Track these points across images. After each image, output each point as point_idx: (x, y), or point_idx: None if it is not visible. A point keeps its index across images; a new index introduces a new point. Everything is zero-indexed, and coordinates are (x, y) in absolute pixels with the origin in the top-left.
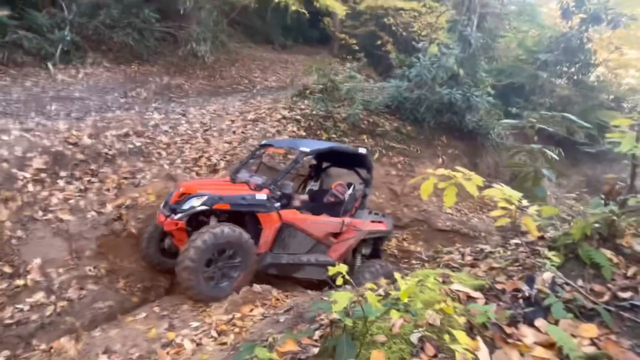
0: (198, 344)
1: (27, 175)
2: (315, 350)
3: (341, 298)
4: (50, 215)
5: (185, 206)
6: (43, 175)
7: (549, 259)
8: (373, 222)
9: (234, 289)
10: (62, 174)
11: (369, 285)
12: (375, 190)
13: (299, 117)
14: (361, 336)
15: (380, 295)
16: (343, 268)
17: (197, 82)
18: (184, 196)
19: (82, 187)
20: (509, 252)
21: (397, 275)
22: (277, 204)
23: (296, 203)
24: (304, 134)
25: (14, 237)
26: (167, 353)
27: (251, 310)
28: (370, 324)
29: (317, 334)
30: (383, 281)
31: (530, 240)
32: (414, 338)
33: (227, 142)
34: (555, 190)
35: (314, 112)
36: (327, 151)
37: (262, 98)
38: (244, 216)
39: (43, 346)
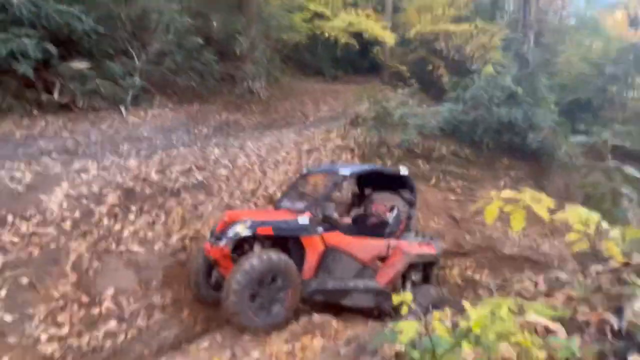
0: None
1: (103, 210)
2: None
3: (407, 328)
4: (122, 247)
5: (230, 233)
6: (116, 209)
7: (638, 287)
8: (420, 245)
9: (286, 311)
10: (133, 208)
11: (436, 315)
12: (434, 216)
13: (352, 145)
14: None
15: (447, 326)
16: (408, 297)
17: (252, 117)
18: (229, 224)
19: (151, 220)
20: (589, 281)
21: (466, 304)
22: (320, 228)
23: (339, 226)
24: (358, 160)
25: (91, 268)
26: None
27: (311, 341)
28: (438, 356)
29: None
30: (448, 311)
31: (613, 267)
32: None
33: (283, 173)
34: (638, 212)
35: (368, 140)
36: (367, 173)
37: (315, 129)
38: (287, 243)
39: None
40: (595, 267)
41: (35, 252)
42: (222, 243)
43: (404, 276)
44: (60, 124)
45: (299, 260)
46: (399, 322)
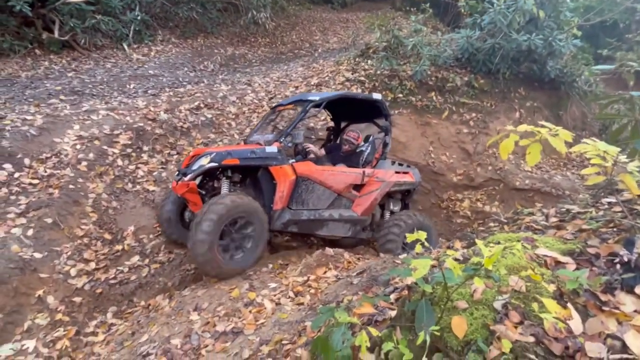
0: (277, 304)
1: (116, 150)
2: (392, 313)
3: (420, 265)
4: (138, 187)
5: (195, 166)
6: (129, 150)
7: None
8: (398, 173)
9: (254, 256)
10: (145, 148)
11: (449, 251)
12: (446, 150)
13: (362, 78)
14: (440, 302)
15: (457, 259)
16: (422, 235)
17: (259, 50)
18: (194, 159)
19: (163, 160)
20: (601, 213)
21: (478, 242)
22: (291, 160)
23: (311, 156)
24: None
25: (110, 207)
26: (250, 311)
27: (325, 273)
28: (450, 290)
29: (392, 297)
30: (458, 244)
31: (627, 198)
32: (498, 305)
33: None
34: None
35: (378, 72)
36: (337, 99)
37: (324, 61)
38: (256, 174)
39: (142, 303)
40: (607, 199)
41: (56, 193)
42: (187, 178)
43: (382, 206)
44: (64, 63)
45: (270, 193)
46: (411, 258)
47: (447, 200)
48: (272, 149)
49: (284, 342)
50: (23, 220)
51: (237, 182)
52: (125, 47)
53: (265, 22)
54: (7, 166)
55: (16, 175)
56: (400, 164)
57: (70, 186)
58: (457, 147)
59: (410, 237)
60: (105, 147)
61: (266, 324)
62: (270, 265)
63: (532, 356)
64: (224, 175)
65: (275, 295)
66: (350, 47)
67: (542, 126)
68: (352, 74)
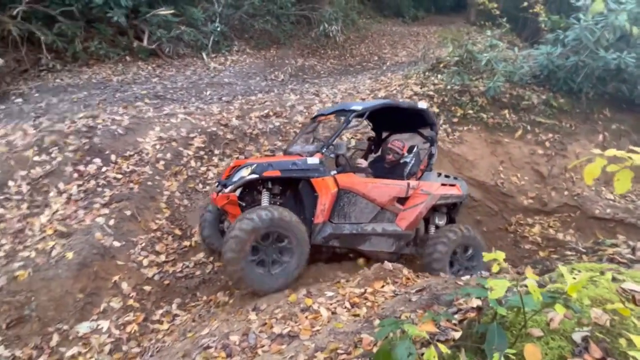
0: (333, 313)
1: (190, 152)
2: (455, 334)
3: (498, 286)
4: (207, 188)
5: (235, 178)
6: (202, 152)
7: None
8: (444, 185)
9: (290, 274)
10: (216, 151)
11: (529, 274)
12: (517, 170)
13: (431, 92)
14: (512, 327)
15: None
16: (501, 255)
17: (328, 62)
18: (235, 170)
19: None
20: None
21: (562, 268)
22: (333, 172)
23: (362, 167)
24: (437, 110)
25: (182, 205)
26: (306, 317)
27: (382, 287)
28: (525, 320)
29: (456, 318)
30: (529, 270)
31: None
32: (577, 337)
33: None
34: None
35: (448, 87)
36: (381, 108)
37: (393, 74)
38: (297, 188)
39: (204, 297)
40: None
41: (135, 188)
42: (227, 189)
43: (427, 220)
44: (150, 70)
45: (311, 206)
46: (483, 278)
47: (515, 224)
48: (314, 160)
49: (339, 351)
50: (106, 211)
51: (278, 194)
52: (204, 56)
53: (335, 35)
54: (97, 160)
55: (103, 169)
56: (446, 176)
57: (149, 183)
58: (530, 168)
59: (487, 257)
60: (181, 149)
61: (322, 331)
62: (328, 275)
63: None
64: (264, 187)
65: (331, 304)
66: (420, 61)
67: (633, 151)
68: (421, 88)
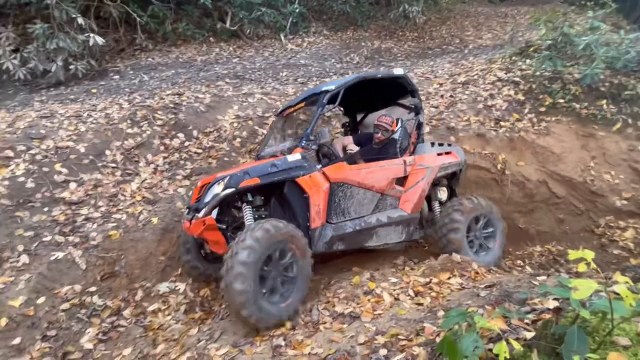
0: (396, 299)
1: (265, 131)
2: (527, 334)
3: (583, 286)
4: None
5: (207, 198)
6: None
7: None
8: (440, 155)
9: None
10: (289, 131)
11: (620, 277)
12: (611, 168)
13: (517, 78)
14: (595, 332)
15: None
16: (589, 255)
17: (405, 44)
18: (204, 190)
19: None
20: None
21: None
22: (319, 166)
23: (339, 152)
24: (522, 98)
25: None
26: (368, 300)
27: (448, 278)
28: (612, 326)
29: (529, 317)
30: (619, 276)
31: None
32: None
33: (433, 107)
34: None
35: (537, 73)
36: (354, 84)
37: (475, 58)
38: (282, 192)
39: None
40: None
41: (214, 163)
42: (201, 214)
43: (428, 199)
44: (231, 50)
45: (303, 210)
46: (568, 278)
47: (604, 227)
48: (295, 157)
49: (400, 337)
50: (187, 183)
51: (261, 205)
52: (282, 37)
53: (415, 16)
54: (180, 135)
55: (186, 144)
56: (440, 144)
57: (225, 158)
58: (627, 166)
59: (573, 255)
60: (256, 127)
61: (383, 315)
62: (390, 261)
63: None
64: (243, 202)
65: (394, 290)
66: (507, 45)
67: None
68: (506, 73)
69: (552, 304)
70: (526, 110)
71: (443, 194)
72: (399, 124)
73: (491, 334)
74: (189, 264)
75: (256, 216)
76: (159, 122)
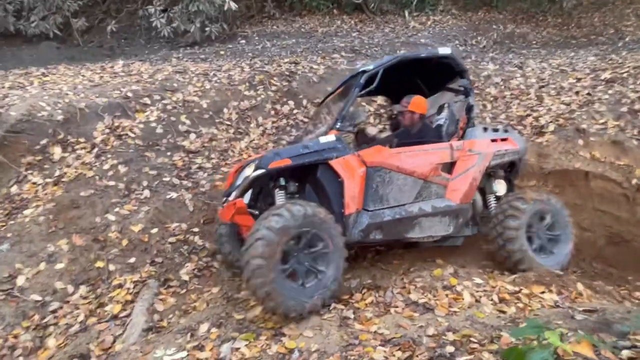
0: (476, 300)
1: (371, 108)
2: None
3: None
4: None
5: (238, 181)
6: (382, 110)
7: None
8: (494, 141)
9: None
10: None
11: None
12: None
13: None
14: None
15: None
16: None
17: (545, 31)
18: (237, 174)
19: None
20: None
21: None
22: (351, 150)
23: (378, 136)
24: None
25: None
26: (446, 295)
27: (542, 292)
28: None
29: (626, 354)
30: None
31: None
32: None
33: (564, 104)
34: None
35: None
36: (397, 63)
37: (629, 54)
38: (316, 175)
39: None
40: None
41: None
42: (232, 197)
43: (482, 191)
44: (352, 24)
45: (338, 195)
46: None
47: None
48: (329, 138)
49: (472, 339)
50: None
51: (295, 192)
52: (406, 14)
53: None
54: (291, 103)
55: (295, 111)
56: (494, 130)
57: None
58: None
59: None
60: (363, 104)
61: (459, 314)
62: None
63: None
64: (275, 186)
65: (477, 292)
66: None
67: None
68: None
69: None
70: None
71: (500, 186)
72: (444, 109)
73: (573, 359)
74: (230, 257)
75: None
76: (274, 88)
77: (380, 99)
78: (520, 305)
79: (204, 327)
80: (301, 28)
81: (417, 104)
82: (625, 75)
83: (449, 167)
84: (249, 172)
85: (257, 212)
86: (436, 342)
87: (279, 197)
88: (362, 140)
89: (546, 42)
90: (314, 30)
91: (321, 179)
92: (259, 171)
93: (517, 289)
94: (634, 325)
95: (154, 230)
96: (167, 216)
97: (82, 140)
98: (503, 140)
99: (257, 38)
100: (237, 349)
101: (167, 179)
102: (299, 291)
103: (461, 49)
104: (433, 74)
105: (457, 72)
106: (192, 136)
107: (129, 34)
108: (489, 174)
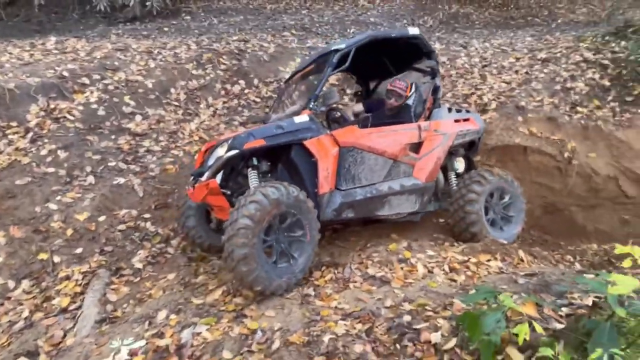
0: (429, 271)
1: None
2: (558, 325)
3: (623, 282)
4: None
5: (210, 161)
6: (335, 89)
7: None
8: (457, 121)
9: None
10: (348, 91)
11: None
12: None
13: (606, 61)
14: (629, 334)
15: None
16: (637, 251)
17: (487, 11)
18: (208, 154)
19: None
20: None
21: None
22: (325, 131)
23: (350, 117)
24: (607, 83)
25: None
26: (402, 268)
27: (488, 261)
28: None
29: (565, 310)
30: None
31: None
32: None
33: (504, 82)
34: None
35: (632, 58)
36: (368, 42)
37: (562, 34)
38: (290, 157)
39: None
40: None
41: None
42: (204, 177)
43: (445, 168)
44: (301, 1)
45: (311, 175)
46: (613, 273)
47: None
48: (302, 118)
49: (427, 307)
50: (243, 129)
51: (267, 171)
52: None
53: None
54: (242, 82)
55: (246, 91)
56: (457, 110)
57: None
58: None
59: (620, 250)
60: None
61: (414, 285)
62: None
63: None
64: (248, 166)
65: (429, 263)
66: (602, 22)
67: None
68: (594, 54)
69: (590, 300)
70: (609, 98)
71: (460, 164)
72: (413, 89)
73: (519, 319)
74: (192, 232)
75: (262, 182)
76: (223, 67)
77: (332, 78)
78: (469, 273)
79: (162, 314)
80: (249, 4)
81: (410, 88)
82: (558, 55)
83: (416, 147)
84: (222, 152)
85: (229, 192)
86: (394, 313)
87: (252, 177)
88: (333, 119)
89: (488, 23)
90: (263, 7)
91: (295, 159)
92: (233, 151)
93: (466, 258)
94: (570, 286)
95: (102, 218)
96: (115, 203)
97: (13, 124)
98: (465, 120)
99: (202, 14)
100: (199, 334)
101: (113, 163)
102: (271, 267)
103: None
104: (400, 54)
105: (424, 53)
106: (138, 118)
107: (59, 8)
108: (451, 153)
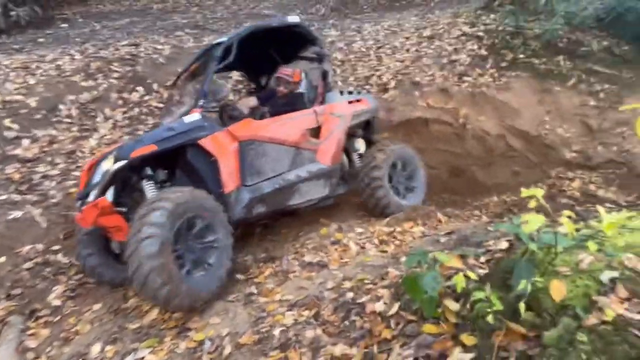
0: (362, 248)
1: (229, 86)
2: (482, 271)
3: (532, 220)
4: None
5: (96, 178)
6: (240, 86)
7: None
8: (351, 103)
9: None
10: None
11: (565, 213)
12: (563, 122)
13: (481, 33)
14: (541, 265)
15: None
16: (539, 192)
17: None
18: (93, 171)
19: None
20: None
21: (600, 208)
22: (220, 128)
23: (245, 111)
24: (485, 53)
25: None
26: (336, 250)
27: (411, 227)
28: (555, 254)
29: (484, 258)
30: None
31: None
32: (605, 277)
33: (399, 61)
34: None
35: (500, 28)
36: (249, 34)
37: (441, 12)
38: (187, 158)
39: None
40: None
41: None
42: (91, 197)
43: (347, 151)
44: None
45: (213, 175)
46: (521, 215)
47: (554, 178)
48: (193, 117)
49: (365, 281)
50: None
51: (165, 180)
52: None
53: None
54: (140, 89)
55: (146, 98)
56: (349, 92)
57: None
58: (578, 120)
59: (524, 193)
60: (222, 81)
61: (350, 263)
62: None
63: (637, 331)
64: (142, 177)
65: (360, 240)
66: None
67: None
68: (470, 27)
69: (504, 244)
70: (488, 66)
71: (361, 145)
72: (303, 76)
73: (450, 272)
74: (95, 271)
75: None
76: (116, 75)
77: (235, 75)
78: (397, 242)
79: (96, 349)
80: (132, 6)
81: (298, 74)
82: (441, 31)
83: (316, 132)
84: (108, 165)
85: (124, 210)
86: (337, 293)
87: (149, 188)
88: (227, 116)
89: (375, 7)
90: (149, 8)
91: (192, 160)
92: (120, 163)
93: (392, 229)
94: (484, 236)
95: (1, 260)
96: (15, 239)
97: None
98: (358, 101)
99: (81, 20)
100: (142, 359)
101: (4, 196)
102: (188, 278)
103: (303, 17)
104: (286, 44)
105: (308, 40)
106: (26, 142)
107: None
108: (350, 135)
